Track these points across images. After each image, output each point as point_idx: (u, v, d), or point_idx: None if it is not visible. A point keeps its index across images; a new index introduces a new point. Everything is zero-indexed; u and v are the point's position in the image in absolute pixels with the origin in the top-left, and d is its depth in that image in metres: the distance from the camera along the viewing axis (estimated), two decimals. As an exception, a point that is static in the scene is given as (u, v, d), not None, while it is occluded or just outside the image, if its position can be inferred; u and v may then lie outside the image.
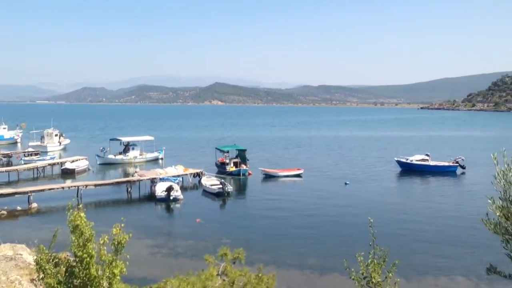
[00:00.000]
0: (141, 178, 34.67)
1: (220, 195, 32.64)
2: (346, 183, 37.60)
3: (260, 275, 12.48)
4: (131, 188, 33.22)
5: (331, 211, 28.24)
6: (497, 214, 4.47)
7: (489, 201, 4.72)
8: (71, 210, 6.99)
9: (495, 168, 4.87)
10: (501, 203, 4.66)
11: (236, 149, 44.55)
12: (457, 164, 44.42)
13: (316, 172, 43.65)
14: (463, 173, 43.61)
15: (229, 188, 33.21)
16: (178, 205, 30.23)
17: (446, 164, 44.92)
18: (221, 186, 33.19)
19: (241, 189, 37.41)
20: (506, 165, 4.75)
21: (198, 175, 38.61)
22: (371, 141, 78.51)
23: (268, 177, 40.90)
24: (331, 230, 23.83)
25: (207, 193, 34.06)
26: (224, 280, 12.33)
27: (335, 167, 47.22)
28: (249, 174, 41.48)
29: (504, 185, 4.65)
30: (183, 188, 34.68)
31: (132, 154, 50.96)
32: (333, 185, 37.36)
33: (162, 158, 52.20)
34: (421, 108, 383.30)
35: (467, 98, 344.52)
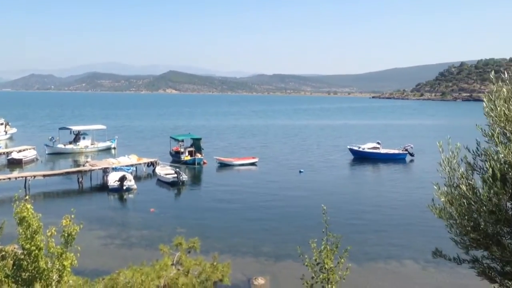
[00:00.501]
0: (93, 168, 33.83)
1: (175, 185, 32.35)
2: (300, 171, 38.06)
3: (215, 263, 12.52)
4: (82, 179, 32.37)
5: (285, 199, 28.55)
6: (442, 199, 4.63)
7: (435, 187, 4.89)
8: (17, 202, 6.75)
9: (440, 156, 5.04)
10: (445, 189, 4.83)
11: (191, 138, 44.20)
12: (406, 152, 45.81)
13: (271, 161, 43.96)
14: (412, 161, 45.05)
15: (184, 177, 32.95)
16: (131, 195, 29.74)
17: (396, 152, 46.26)
18: (175, 175, 32.88)
19: (196, 178, 37.22)
20: (450, 153, 4.92)
21: (152, 164, 38.09)
22: (325, 130, 79.76)
23: (223, 166, 40.85)
24: (285, 218, 24.11)
25: (161, 182, 33.67)
26: (179, 269, 12.28)
27: (290, 156, 47.68)
28: (204, 163, 41.28)
29: (449, 172, 4.83)
30: (137, 178, 34.13)
31: (83, 143, 49.56)
32: (287, 173, 37.75)
33: (114, 148, 51.06)
34: (373, 97, 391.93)
35: (415, 87, 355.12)
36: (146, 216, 24.39)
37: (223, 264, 12.31)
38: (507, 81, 4.45)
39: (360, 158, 45.54)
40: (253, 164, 41.64)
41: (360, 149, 46.47)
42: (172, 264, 12.10)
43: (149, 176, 36.56)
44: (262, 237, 20.89)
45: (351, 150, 46.89)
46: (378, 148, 46.65)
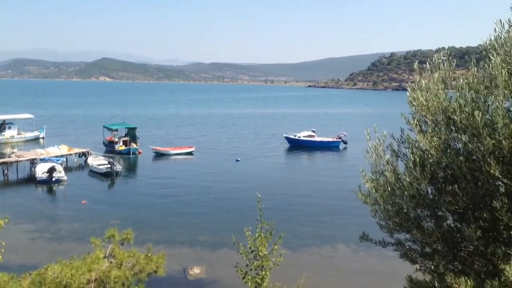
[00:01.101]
0: (19, 159, 32.16)
1: (108, 175, 31.45)
2: (237, 160, 38.21)
3: (149, 255, 12.28)
4: (7, 170, 30.67)
5: (221, 188, 28.57)
6: (368, 185, 4.80)
7: (362, 174, 5.05)
8: None
9: (368, 143, 5.21)
10: (372, 175, 5.00)
11: (125, 127, 43.09)
12: (340, 140, 47.13)
13: (208, 150, 43.78)
14: (345, 148, 46.42)
15: (118, 167, 32.12)
16: (61, 187, 28.60)
17: (330, 139, 47.49)
18: (109, 165, 31.97)
19: (130, 168, 36.41)
20: (377, 140, 5.08)
21: (84, 154, 36.72)
22: (263, 118, 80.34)
23: (159, 155, 40.22)
24: (221, 207, 24.15)
25: (94, 173, 32.62)
26: (111, 262, 11.97)
27: (227, 145, 47.69)
28: (139, 152, 40.43)
29: (375, 159, 4.99)
30: (67, 169, 32.85)
31: (9, 133, 47.08)
32: (224, 162, 37.77)
33: (43, 138, 48.80)
34: (309, 86, 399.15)
35: (349, 77, 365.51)
36: (78, 208, 23.58)
37: (157, 255, 12.10)
38: (428, 72, 4.65)
39: (296, 146, 46.35)
40: (189, 153, 41.29)
41: (296, 137, 47.28)
42: (105, 257, 11.74)
43: (80, 167, 35.29)
44: (198, 226, 20.82)
45: (287, 139, 47.62)
46: (313, 136, 47.68)
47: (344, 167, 36.78)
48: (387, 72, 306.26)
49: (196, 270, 15.99)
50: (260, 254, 8.89)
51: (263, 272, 9.08)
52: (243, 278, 8.80)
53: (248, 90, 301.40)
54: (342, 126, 60.31)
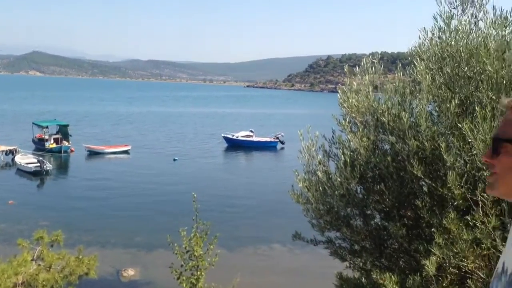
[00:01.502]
0: None
1: (38, 174, 30.02)
2: (174, 159, 37.73)
3: (80, 257, 11.89)
4: None
5: (158, 188, 28.09)
6: (300, 185, 4.89)
7: (295, 173, 5.14)
8: None
9: (300, 144, 5.30)
10: (304, 175, 5.10)
11: (57, 124, 41.33)
12: (278, 140, 47.70)
13: (146, 149, 42.89)
14: (282, 148, 47.04)
15: (48, 166, 30.75)
16: (-14, 187, 27.06)
17: (268, 139, 47.98)
18: (38, 164, 30.51)
19: (62, 167, 34.99)
20: (310, 141, 5.19)
21: (11, 152, 34.85)
22: (202, 118, 79.75)
23: (92, 154, 38.90)
24: (157, 207, 23.74)
25: (22, 172, 31.00)
26: (39, 264, 11.48)
27: (165, 144, 46.93)
28: (72, 151, 38.93)
29: (308, 159, 5.10)
30: (-7, 168, 31.17)
31: None
32: (161, 162, 37.18)
33: (-35, 135, 46.00)
34: (247, 86, 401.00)
35: (287, 78, 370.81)
36: (4, 209, 22.34)
37: (89, 257, 11.74)
38: (358, 75, 4.81)
39: (234, 146, 46.43)
40: (125, 152, 40.29)
41: (234, 137, 47.37)
42: (32, 260, 11.26)
43: (7, 165, 33.50)
44: (133, 227, 20.35)
45: (225, 138, 47.61)
46: (251, 136, 47.97)
47: (281, 167, 37.26)
48: (323, 74, 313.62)
49: (130, 272, 15.66)
50: (196, 254, 8.86)
51: (198, 272, 9.05)
52: (178, 278, 8.73)
53: (187, 88, 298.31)
54: (279, 127, 61.06)
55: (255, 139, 47.75)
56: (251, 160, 42.35)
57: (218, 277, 10.52)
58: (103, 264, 14.02)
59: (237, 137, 47.47)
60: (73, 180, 30.36)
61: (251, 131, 48.84)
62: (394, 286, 3.85)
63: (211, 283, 9.53)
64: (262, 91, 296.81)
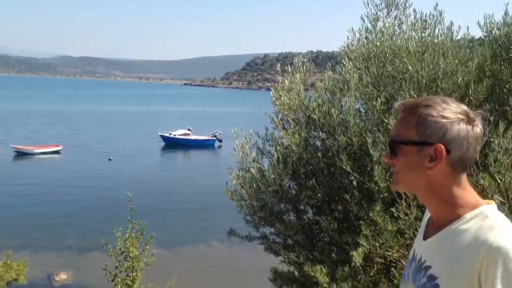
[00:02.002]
0: None
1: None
2: (110, 159, 36.72)
3: (8, 262, 11.37)
4: None
5: (91, 189, 27.22)
6: (234, 182, 4.95)
7: (229, 171, 5.20)
8: None
9: (234, 142, 5.36)
10: (239, 172, 5.17)
11: (-20, 124, 39.15)
12: (215, 138, 47.64)
13: (79, 149, 41.34)
14: (220, 146, 47.02)
15: (-28, 168, 29.09)
16: None
17: (206, 138, 47.80)
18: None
19: (-14, 169, 33.19)
20: (244, 139, 5.26)
21: None
22: (139, 116, 78.07)
23: (20, 154, 37.04)
24: (91, 208, 23.02)
25: None
26: (-38, 273, 10.85)
27: (100, 143, 45.44)
28: (-2, 152, 36.99)
29: (242, 156, 5.16)
30: None
31: None
32: (96, 162, 36.06)
33: None
34: (185, 84, 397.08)
35: (225, 76, 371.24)
36: None
37: (18, 262, 11.24)
38: (291, 74, 4.93)
39: (172, 144, 45.87)
40: (56, 152, 38.70)
41: (171, 136, 46.80)
42: (-46, 268, 10.63)
43: None
44: (65, 230, 19.62)
45: (162, 137, 46.92)
46: (189, 134, 47.58)
47: (218, 165, 37.20)
48: (261, 72, 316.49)
49: (62, 276, 15.14)
50: (131, 255, 8.71)
51: (134, 273, 8.92)
52: (113, 280, 8.56)
53: (122, 86, 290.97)
54: (217, 125, 61.04)
55: (192, 137, 47.40)
56: (189, 158, 42.06)
57: (155, 277, 10.41)
58: (34, 269, 13.47)
59: (175, 135, 46.92)
60: (0, 183, 28.81)
61: (189, 130, 48.43)
62: (325, 277, 3.99)
63: (147, 283, 9.42)
64: (199, 89, 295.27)
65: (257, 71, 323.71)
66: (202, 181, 30.35)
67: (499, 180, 3.45)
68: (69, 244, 18.09)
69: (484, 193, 3.42)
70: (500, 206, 3.47)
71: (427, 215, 1.73)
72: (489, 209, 1.53)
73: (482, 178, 3.42)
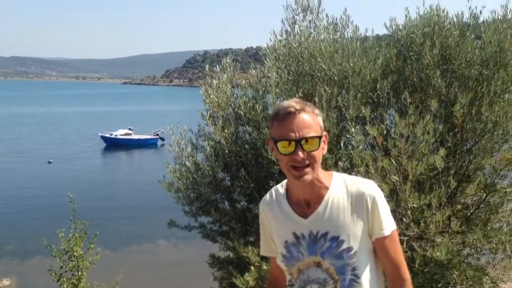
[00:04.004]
0: None
1: None
2: (49, 162, 35.75)
3: None
4: None
5: (31, 192, 26.52)
6: (171, 175, 5.33)
7: (166, 165, 5.57)
8: None
9: (171, 138, 5.72)
10: (175, 166, 5.55)
11: None
12: (158, 137, 47.28)
13: (16, 152, 39.92)
14: (163, 145, 46.67)
15: None
16: None
17: (148, 137, 47.35)
18: None
19: None
20: (179, 135, 5.63)
21: None
22: (78, 117, 75.90)
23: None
24: (31, 212, 22.52)
25: None
26: None
27: (39, 146, 44.02)
28: None
29: (178, 151, 5.54)
30: None
31: None
32: (34, 165, 35.00)
33: None
34: (124, 83, 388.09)
35: (165, 74, 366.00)
36: None
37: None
38: (219, 73, 5.35)
39: (113, 145, 45.13)
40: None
41: (112, 136, 46.01)
42: None
43: None
44: (5, 236, 19.12)
45: (103, 138, 46.03)
46: (131, 134, 46.96)
47: (162, 164, 36.78)
48: (202, 69, 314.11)
49: (5, 282, 14.84)
50: (75, 254, 8.83)
51: (80, 273, 9.03)
52: (58, 280, 8.65)
53: (58, 87, 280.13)
54: (159, 123, 60.43)
55: (134, 137, 46.83)
56: (132, 158, 41.61)
57: (101, 275, 10.53)
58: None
59: (116, 136, 46.15)
60: None
61: (130, 129, 47.74)
62: (256, 257, 4.44)
63: (93, 282, 9.55)
64: (140, 87, 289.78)
65: (198, 68, 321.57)
66: (144, 180, 30.14)
67: (397, 163, 4.02)
68: (9, 249, 17.68)
69: (384, 174, 3.99)
70: (400, 186, 4.07)
71: (274, 205, 2.15)
72: (335, 172, 2.12)
73: (382, 161, 3.98)
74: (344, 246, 1.98)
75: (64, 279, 8.70)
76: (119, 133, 46.72)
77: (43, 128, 59.93)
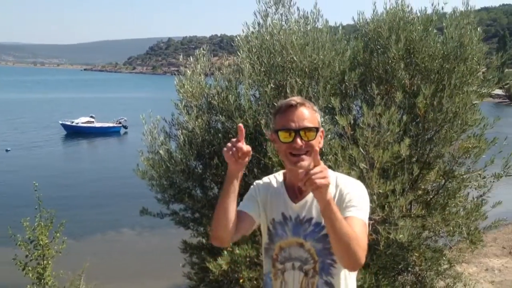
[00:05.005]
0: None
1: None
2: (7, 150, 34.70)
3: None
4: None
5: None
6: (145, 164, 5.40)
7: (139, 153, 5.63)
8: None
9: (143, 127, 5.79)
10: (148, 155, 5.62)
11: None
12: (120, 125, 46.59)
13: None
14: (126, 133, 46.15)
15: None
16: None
17: (111, 125, 46.56)
18: None
19: None
20: (152, 124, 5.70)
21: None
22: (37, 104, 73.66)
23: None
24: (-10, 202, 21.92)
25: None
26: None
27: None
28: None
29: (151, 140, 5.62)
30: None
31: None
32: (-10, 154, 33.96)
33: None
34: (85, 69, 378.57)
35: (128, 61, 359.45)
36: None
37: None
38: (193, 64, 5.44)
39: (74, 133, 44.15)
40: None
41: (73, 124, 45.02)
42: None
43: None
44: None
45: (64, 125, 44.96)
46: (92, 122, 46.07)
47: (125, 151, 36.66)
48: (165, 57, 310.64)
49: (-36, 276, 14.47)
50: (41, 243, 8.76)
51: (45, 262, 8.98)
52: (23, 269, 8.58)
53: (14, 73, 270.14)
54: (122, 111, 59.49)
55: (96, 125, 45.96)
56: (94, 146, 40.87)
57: (67, 265, 10.46)
58: None
59: (77, 123, 45.15)
60: None
61: (92, 117, 46.80)
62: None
63: (59, 270, 9.49)
64: (101, 74, 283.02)
65: (161, 56, 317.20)
66: (109, 168, 29.84)
67: (364, 152, 4.25)
68: (-32, 241, 17.23)
69: (352, 162, 4.21)
70: (367, 173, 4.29)
71: (270, 187, 2.40)
72: (330, 169, 2.35)
73: (351, 150, 4.20)
74: (325, 231, 2.20)
75: (30, 268, 8.63)
76: (81, 120, 45.72)
77: (0, 115, 57.98)
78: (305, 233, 2.28)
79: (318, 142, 2.22)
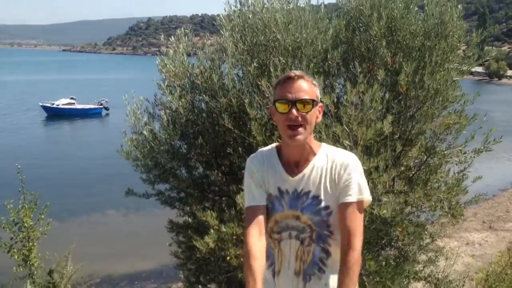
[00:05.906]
0: None
1: None
2: (-14, 133, 34.21)
3: None
4: None
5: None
6: (129, 144, 5.39)
7: (123, 134, 5.61)
8: None
9: (127, 108, 5.75)
10: (132, 136, 5.60)
11: None
12: (102, 106, 46.06)
13: None
14: (107, 115, 45.68)
15: None
16: None
17: (92, 106, 46.02)
18: None
19: None
20: (135, 105, 5.67)
21: None
22: (16, 86, 72.30)
23: None
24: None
25: None
26: None
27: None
28: None
29: (134, 121, 5.59)
30: None
31: None
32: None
33: None
34: (63, 50, 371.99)
35: (107, 41, 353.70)
36: None
37: None
38: (175, 44, 5.40)
39: (55, 115, 43.57)
40: None
41: (54, 106, 44.37)
42: None
43: None
44: None
45: (44, 107, 44.29)
46: (73, 103, 45.46)
47: (107, 132, 36.36)
48: (146, 37, 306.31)
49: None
50: (26, 225, 8.73)
51: (30, 243, 8.96)
52: (8, 251, 8.56)
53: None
54: (103, 92, 58.68)
55: (77, 106, 45.37)
56: (76, 128, 40.43)
57: (52, 246, 10.44)
58: None
59: (58, 105, 44.50)
60: None
61: (73, 98, 46.13)
62: (214, 220, 4.63)
63: (45, 252, 9.48)
64: (81, 55, 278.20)
65: (141, 36, 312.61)
66: (92, 150, 29.60)
67: (348, 129, 4.30)
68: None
69: (336, 139, 4.26)
70: (351, 150, 4.35)
71: (265, 162, 2.41)
72: (325, 144, 2.41)
73: (335, 127, 4.24)
74: (322, 204, 2.29)
75: (15, 250, 8.62)
76: (61, 102, 45.06)
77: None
78: (302, 206, 2.33)
79: (315, 116, 2.26)
